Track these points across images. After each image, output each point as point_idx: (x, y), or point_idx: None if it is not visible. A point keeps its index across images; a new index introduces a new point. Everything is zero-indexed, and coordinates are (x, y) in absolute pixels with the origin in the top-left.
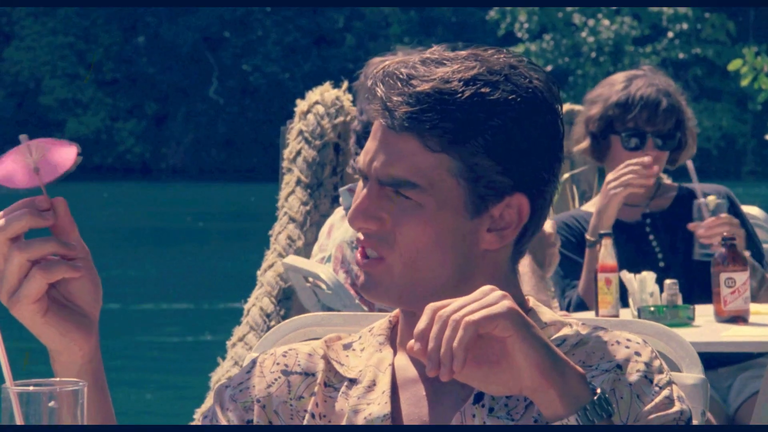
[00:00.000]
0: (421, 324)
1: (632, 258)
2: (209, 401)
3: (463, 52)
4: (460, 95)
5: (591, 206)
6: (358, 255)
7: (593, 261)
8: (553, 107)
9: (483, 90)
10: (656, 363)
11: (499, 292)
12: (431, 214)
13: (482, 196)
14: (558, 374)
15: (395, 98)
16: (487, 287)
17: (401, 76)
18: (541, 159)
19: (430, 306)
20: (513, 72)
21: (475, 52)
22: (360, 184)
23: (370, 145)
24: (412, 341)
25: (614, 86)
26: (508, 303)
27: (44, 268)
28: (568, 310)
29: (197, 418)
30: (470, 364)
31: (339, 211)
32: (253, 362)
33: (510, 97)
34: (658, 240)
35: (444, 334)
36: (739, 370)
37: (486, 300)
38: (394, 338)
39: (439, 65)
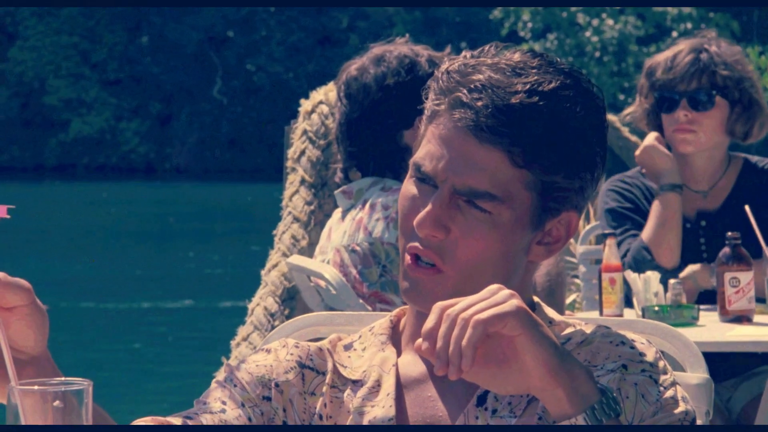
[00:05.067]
0: (429, 323)
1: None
2: None
3: (529, 59)
4: (546, 110)
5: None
6: (409, 259)
7: (665, 209)
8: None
9: (565, 105)
10: (661, 363)
11: (507, 291)
12: (505, 227)
13: (547, 209)
14: (566, 373)
15: (482, 108)
16: (494, 286)
17: (485, 83)
18: (598, 175)
19: (438, 305)
20: (579, 86)
21: (541, 62)
22: (412, 187)
23: (441, 150)
24: (420, 340)
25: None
26: (516, 302)
27: None
28: (623, 260)
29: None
30: (478, 363)
31: (337, 213)
32: (265, 349)
33: (586, 114)
34: (708, 245)
35: (453, 333)
36: (743, 380)
37: (494, 299)
38: (395, 337)
39: (515, 75)
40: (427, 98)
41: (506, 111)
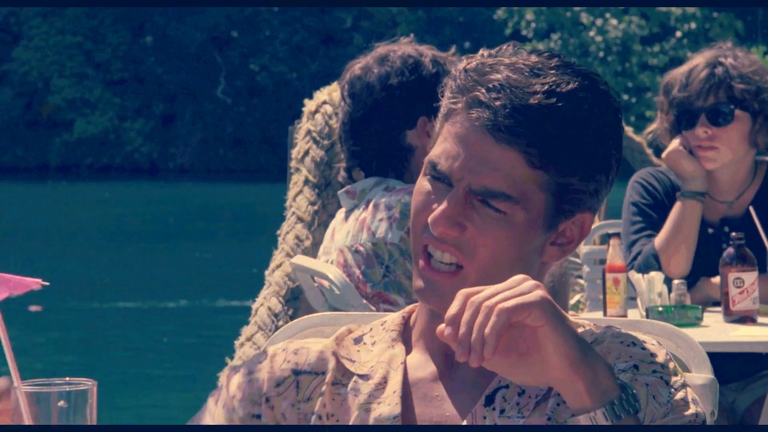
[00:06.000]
0: (453, 309)
1: (698, 263)
2: None
3: (547, 60)
4: (563, 112)
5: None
6: (422, 262)
7: (682, 215)
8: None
9: (583, 107)
10: (671, 365)
11: (532, 282)
12: (520, 227)
13: (561, 211)
14: (587, 367)
15: (500, 108)
16: (519, 276)
17: (503, 83)
18: (613, 177)
19: (462, 291)
20: (596, 87)
21: (558, 62)
22: (427, 184)
23: (457, 149)
24: (442, 326)
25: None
26: (541, 292)
27: None
28: (633, 262)
29: (210, 403)
30: (499, 353)
31: (340, 214)
32: (266, 354)
33: (602, 116)
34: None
35: (476, 320)
36: (748, 383)
37: (520, 288)
38: (406, 335)
39: (533, 75)
40: (443, 96)
41: (524, 111)
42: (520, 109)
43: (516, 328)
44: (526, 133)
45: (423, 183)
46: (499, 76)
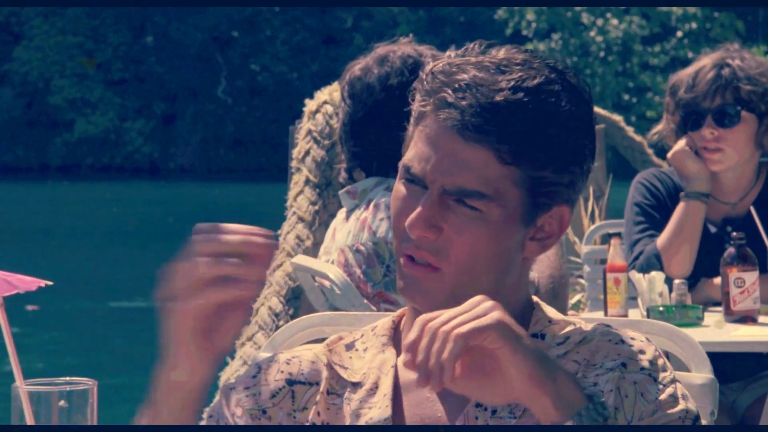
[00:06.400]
0: (411, 336)
1: (699, 263)
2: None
3: (514, 56)
4: (531, 106)
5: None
6: (403, 259)
7: (685, 216)
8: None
9: (550, 100)
10: (660, 361)
11: (489, 303)
12: (496, 224)
13: (538, 205)
14: (550, 382)
15: (467, 107)
16: (477, 297)
17: (469, 83)
18: (587, 168)
19: (421, 318)
20: (564, 80)
21: (525, 58)
22: (402, 188)
23: (429, 151)
24: (405, 355)
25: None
26: (497, 314)
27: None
28: (635, 262)
29: (205, 417)
30: (464, 375)
31: (341, 214)
32: (258, 367)
33: (572, 109)
34: None
35: (433, 346)
36: (749, 382)
37: (475, 312)
38: (397, 338)
39: (499, 72)
40: (413, 100)
41: (491, 109)
42: (487, 107)
43: (478, 350)
44: (495, 131)
45: (399, 187)
46: (465, 75)
